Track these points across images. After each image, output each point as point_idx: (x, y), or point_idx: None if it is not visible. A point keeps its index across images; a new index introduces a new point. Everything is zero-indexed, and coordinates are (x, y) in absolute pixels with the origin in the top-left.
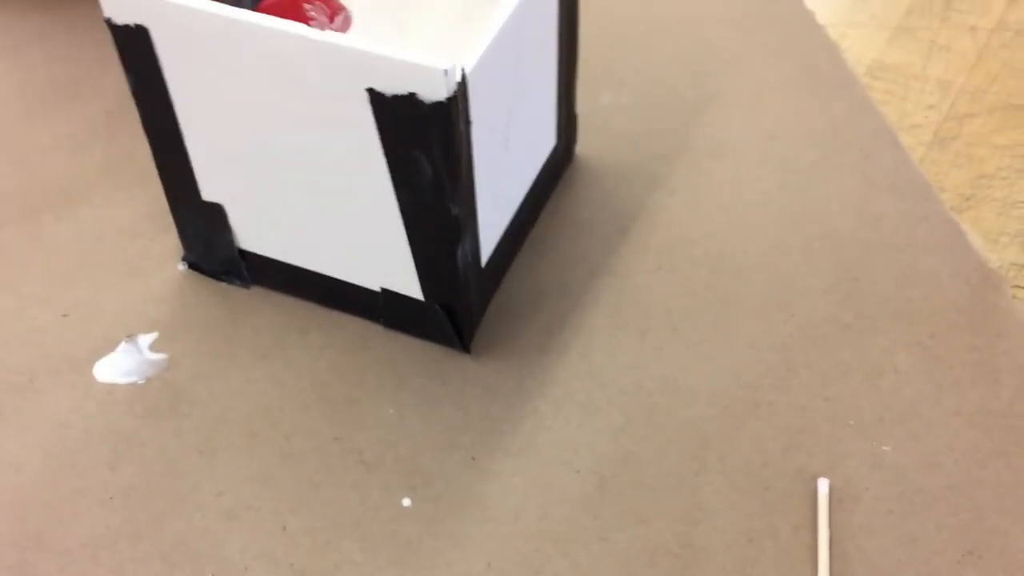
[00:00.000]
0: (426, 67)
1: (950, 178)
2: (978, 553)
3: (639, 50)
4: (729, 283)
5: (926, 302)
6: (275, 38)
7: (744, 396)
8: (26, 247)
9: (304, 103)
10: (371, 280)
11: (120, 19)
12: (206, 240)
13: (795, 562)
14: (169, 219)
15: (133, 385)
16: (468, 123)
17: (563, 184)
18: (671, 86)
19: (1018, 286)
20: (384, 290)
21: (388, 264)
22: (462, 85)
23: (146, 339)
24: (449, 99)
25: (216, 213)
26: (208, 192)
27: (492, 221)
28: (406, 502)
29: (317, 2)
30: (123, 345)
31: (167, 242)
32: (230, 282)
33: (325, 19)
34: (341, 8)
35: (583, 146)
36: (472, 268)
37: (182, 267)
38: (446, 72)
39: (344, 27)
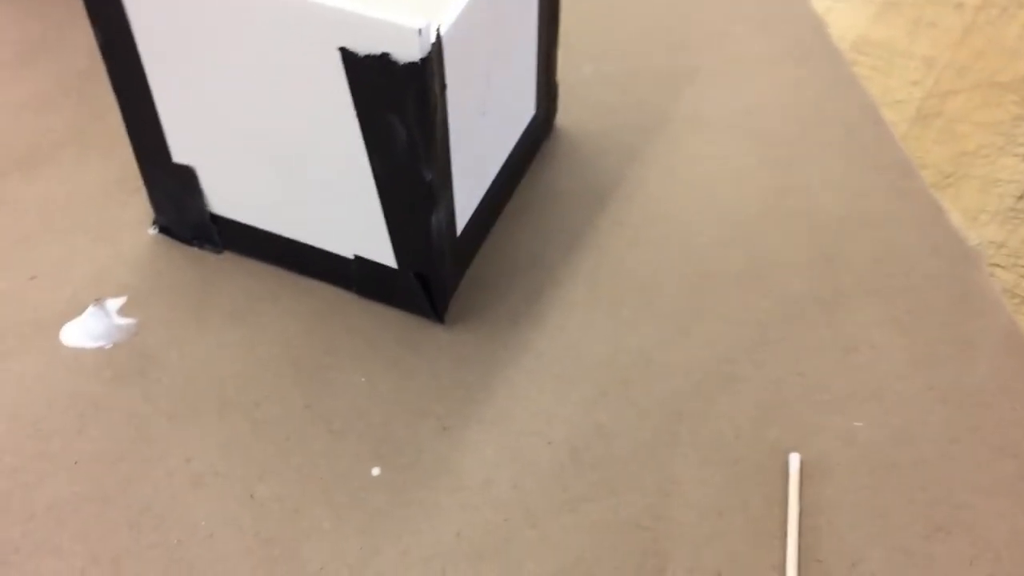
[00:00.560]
0: (400, 26)
1: (932, 155)
2: (947, 528)
3: (622, 21)
4: (706, 258)
5: (903, 278)
6: None
7: (718, 370)
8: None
9: (276, 63)
10: (344, 247)
11: None
12: (177, 203)
13: (765, 535)
14: (140, 182)
15: (101, 350)
16: (444, 86)
17: (542, 155)
18: (653, 58)
19: (996, 264)
20: (357, 257)
21: (362, 231)
22: (437, 46)
23: (115, 303)
24: (423, 60)
25: (187, 176)
26: (179, 154)
27: (468, 189)
28: (375, 471)
29: None
30: (91, 309)
31: (139, 205)
32: (201, 247)
33: None
34: None
35: (563, 116)
36: (446, 237)
37: (153, 231)
38: (420, 32)
39: None
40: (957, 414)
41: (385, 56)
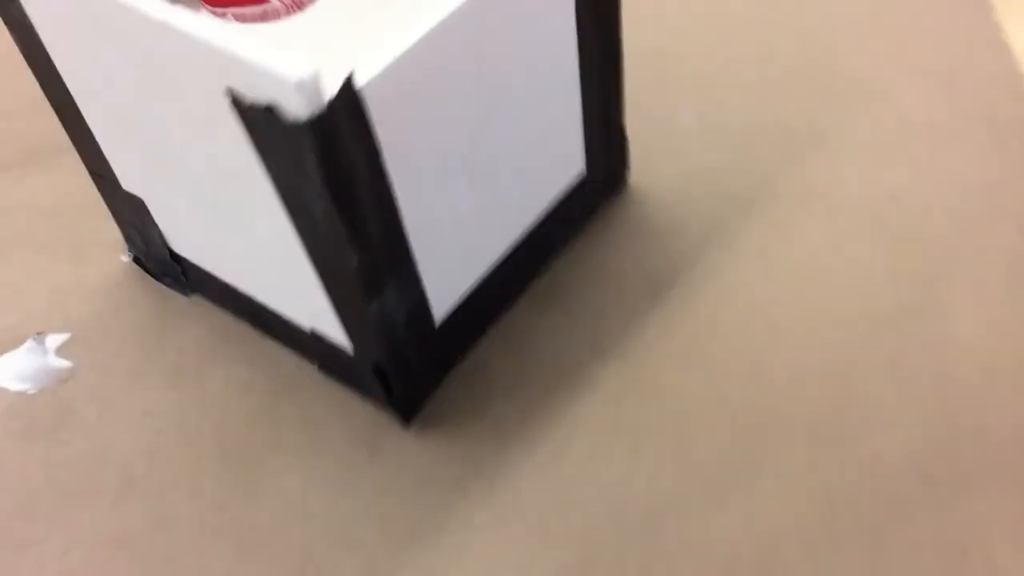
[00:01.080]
0: (278, 75)
1: None
2: None
3: (748, 57)
4: (776, 397)
5: None
6: (138, 23)
7: (759, 565)
8: None
9: (179, 100)
10: (301, 316)
11: None
12: (141, 234)
13: None
14: None
15: (22, 395)
16: (372, 150)
17: (599, 223)
18: (780, 110)
19: None
20: (313, 332)
21: (314, 304)
22: (343, 102)
23: (55, 340)
24: (313, 120)
25: (140, 207)
26: (127, 182)
27: (453, 269)
28: None
29: None
30: (29, 344)
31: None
32: (170, 286)
33: None
34: None
35: (641, 175)
36: (406, 327)
37: (126, 259)
38: (298, 85)
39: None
40: None
41: (272, 110)
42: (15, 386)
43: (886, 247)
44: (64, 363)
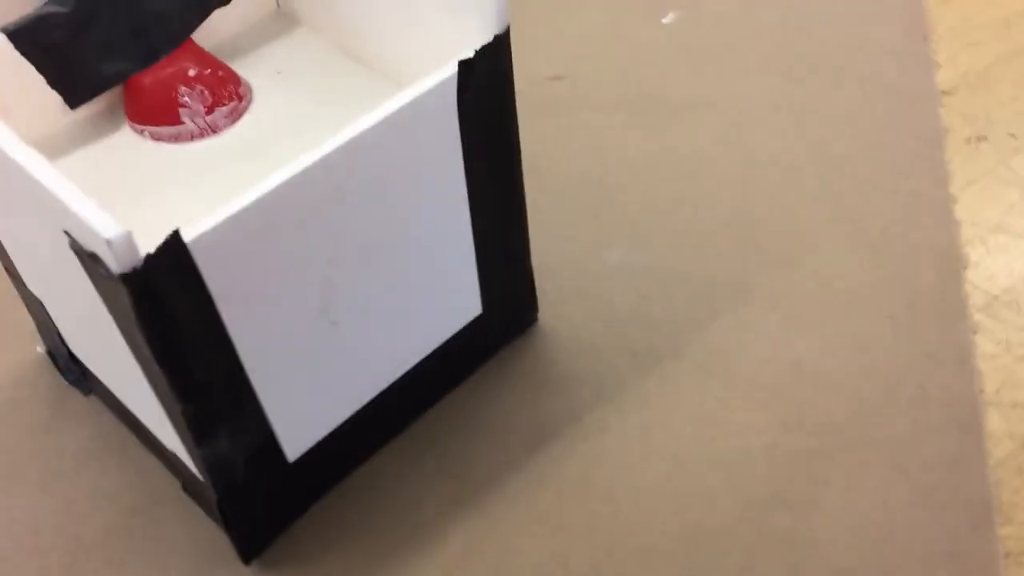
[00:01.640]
0: (95, 229)
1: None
2: None
3: (689, 199)
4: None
5: None
6: (9, 167)
7: None
8: None
9: (43, 230)
10: (165, 438)
11: None
12: (47, 331)
13: None
14: None
15: None
16: (205, 302)
17: (498, 362)
18: (705, 262)
19: None
20: (172, 453)
21: (169, 429)
22: (165, 258)
23: None
24: (128, 274)
25: (41, 306)
26: (29, 283)
27: (309, 412)
28: None
29: (200, 86)
30: None
31: None
32: (72, 383)
33: (201, 109)
34: (230, 99)
35: (552, 313)
36: (255, 466)
37: (40, 350)
38: (110, 242)
39: (222, 123)
40: None
41: (96, 258)
42: None
43: (774, 423)
44: None
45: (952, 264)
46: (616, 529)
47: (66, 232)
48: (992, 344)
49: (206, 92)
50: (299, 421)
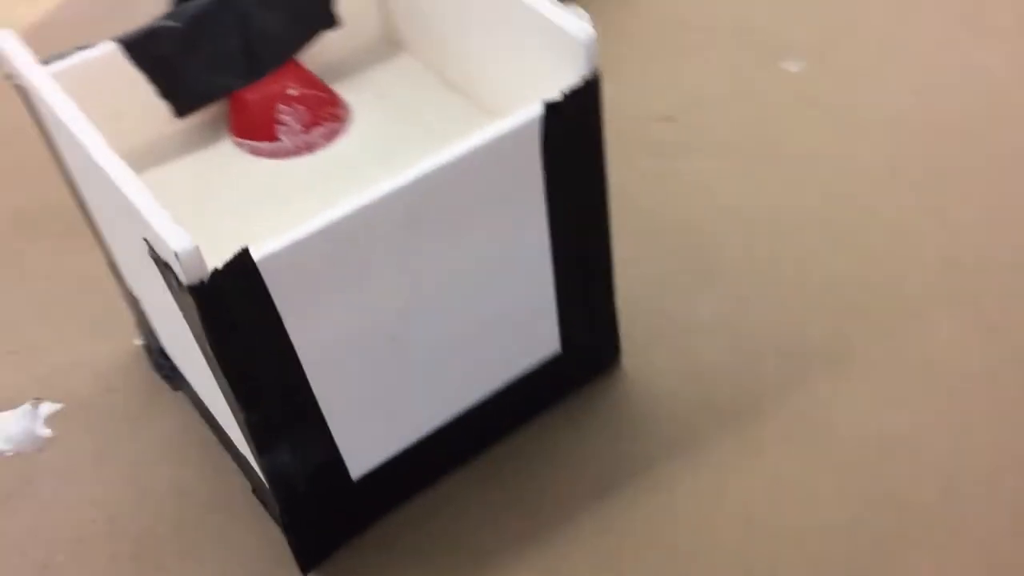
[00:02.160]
0: (166, 241)
1: None
2: None
3: (791, 255)
4: None
5: None
6: (95, 168)
7: None
8: (12, 271)
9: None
10: (238, 440)
11: None
12: (143, 326)
13: None
14: None
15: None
16: (272, 318)
17: (580, 400)
18: (800, 323)
19: None
20: (244, 457)
21: (240, 434)
22: (233, 273)
23: (48, 409)
24: (195, 286)
25: (138, 304)
26: (128, 279)
27: (375, 433)
28: None
29: (299, 106)
30: (25, 407)
31: None
32: (163, 378)
33: (298, 127)
34: (328, 119)
35: (638, 358)
36: (318, 482)
37: (138, 343)
38: (177, 255)
39: (319, 142)
40: None
41: (169, 267)
42: None
43: (856, 501)
44: (47, 432)
45: None
46: None
47: (145, 240)
48: None
49: (305, 111)
50: (364, 441)
